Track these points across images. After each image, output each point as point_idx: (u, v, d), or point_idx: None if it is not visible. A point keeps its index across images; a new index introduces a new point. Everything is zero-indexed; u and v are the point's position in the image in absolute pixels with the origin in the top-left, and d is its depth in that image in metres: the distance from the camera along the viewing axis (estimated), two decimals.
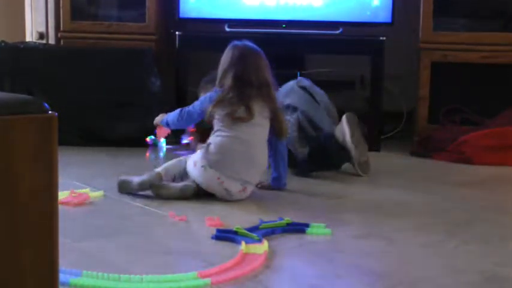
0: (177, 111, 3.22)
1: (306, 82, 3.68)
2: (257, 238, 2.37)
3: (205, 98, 3.13)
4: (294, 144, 3.46)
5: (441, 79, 4.17)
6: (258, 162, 3.02)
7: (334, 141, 3.45)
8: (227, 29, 4.24)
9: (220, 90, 3.05)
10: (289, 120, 3.47)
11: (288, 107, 3.56)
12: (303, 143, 3.49)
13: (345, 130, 3.44)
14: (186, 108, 3.19)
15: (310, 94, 3.62)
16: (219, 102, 3.03)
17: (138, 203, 2.88)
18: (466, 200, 3.07)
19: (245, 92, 3.03)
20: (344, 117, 3.46)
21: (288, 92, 3.62)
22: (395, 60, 4.31)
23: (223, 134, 3.00)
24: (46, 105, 1.52)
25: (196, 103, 3.17)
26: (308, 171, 3.47)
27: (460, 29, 4.18)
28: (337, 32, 4.17)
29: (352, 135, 3.43)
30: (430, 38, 4.15)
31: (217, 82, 3.11)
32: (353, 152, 3.45)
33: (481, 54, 4.11)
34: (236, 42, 3.17)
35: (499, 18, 4.26)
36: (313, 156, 3.46)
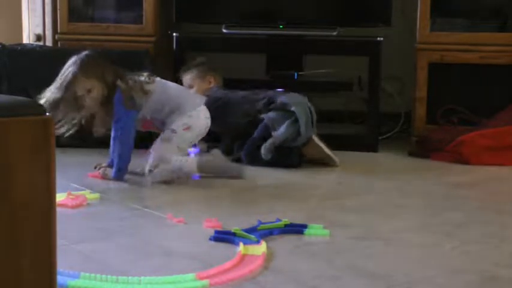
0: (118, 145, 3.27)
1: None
2: (255, 239, 2.37)
3: (118, 107, 3.23)
4: (271, 145, 3.59)
5: (439, 79, 4.17)
6: None
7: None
8: (224, 30, 4.24)
9: (120, 94, 3.22)
10: (286, 126, 3.60)
11: (291, 112, 3.63)
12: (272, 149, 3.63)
13: (322, 147, 3.68)
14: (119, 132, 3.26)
15: (311, 114, 3.70)
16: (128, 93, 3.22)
17: (135, 204, 2.88)
18: (464, 200, 3.07)
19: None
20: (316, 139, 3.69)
21: (299, 103, 3.68)
22: (393, 61, 4.31)
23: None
24: (43, 107, 1.52)
25: (121, 116, 3.25)
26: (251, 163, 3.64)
27: (458, 29, 4.17)
28: (335, 33, 4.16)
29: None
30: (427, 39, 4.15)
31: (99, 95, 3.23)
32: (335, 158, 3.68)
33: (478, 54, 4.11)
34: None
35: (496, 18, 4.26)
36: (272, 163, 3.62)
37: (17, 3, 4.54)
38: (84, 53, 3.26)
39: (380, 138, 4.24)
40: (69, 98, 3.17)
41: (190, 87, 3.88)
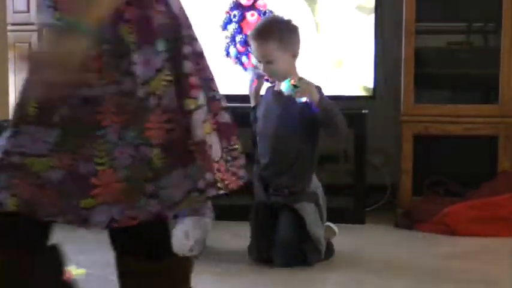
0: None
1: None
2: None
3: None
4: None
5: (424, 151, 4.19)
6: None
7: None
8: None
9: None
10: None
11: None
12: None
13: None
14: None
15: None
16: None
17: None
18: (451, 272, 3.06)
19: None
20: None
21: None
22: (377, 133, 4.34)
23: None
24: None
25: None
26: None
27: (441, 101, 4.22)
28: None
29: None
30: (412, 111, 4.19)
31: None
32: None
33: (462, 126, 4.14)
34: None
35: (478, 90, 4.32)
36: None
37: (3, 79, 4.56)
38: None
39: (367, 210, 4.23)
40: None
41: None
